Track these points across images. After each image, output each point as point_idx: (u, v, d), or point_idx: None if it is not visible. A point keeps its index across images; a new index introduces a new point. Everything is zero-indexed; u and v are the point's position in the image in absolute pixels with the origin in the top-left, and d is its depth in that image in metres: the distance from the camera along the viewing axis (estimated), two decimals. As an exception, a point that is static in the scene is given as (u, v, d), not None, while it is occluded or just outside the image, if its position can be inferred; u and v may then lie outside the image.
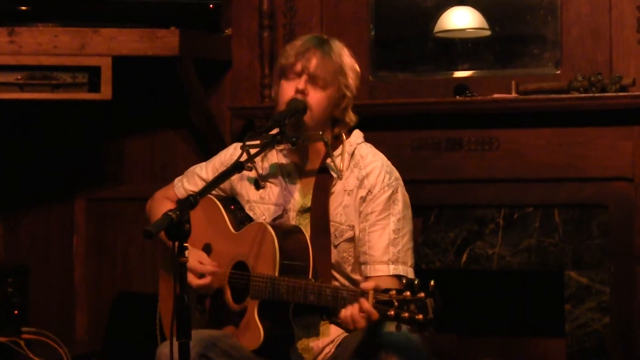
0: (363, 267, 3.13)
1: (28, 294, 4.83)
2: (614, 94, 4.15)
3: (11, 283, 4.70)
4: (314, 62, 3.14)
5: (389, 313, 2.68)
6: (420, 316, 2.63)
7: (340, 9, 4.73)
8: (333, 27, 4.63)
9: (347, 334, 3.09)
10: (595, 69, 4.28)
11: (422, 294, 2.65)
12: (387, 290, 2.72)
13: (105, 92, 4.44)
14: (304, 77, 3.13)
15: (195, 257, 3.17)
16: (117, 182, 5.12)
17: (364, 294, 2.77)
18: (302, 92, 3.12)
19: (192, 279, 3.15)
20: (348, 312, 2.80)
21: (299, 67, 3.15)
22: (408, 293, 2.67)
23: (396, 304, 2.68)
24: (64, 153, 5.11)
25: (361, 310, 2.77)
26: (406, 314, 2.65)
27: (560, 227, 4.29)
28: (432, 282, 2.66)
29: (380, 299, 2.73)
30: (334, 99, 3.18)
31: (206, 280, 3.18)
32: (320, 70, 3.14)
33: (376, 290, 2.75)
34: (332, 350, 3.17)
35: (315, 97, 3.14)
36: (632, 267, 4.23)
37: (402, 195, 3.18)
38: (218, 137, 4.82)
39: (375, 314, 2.74)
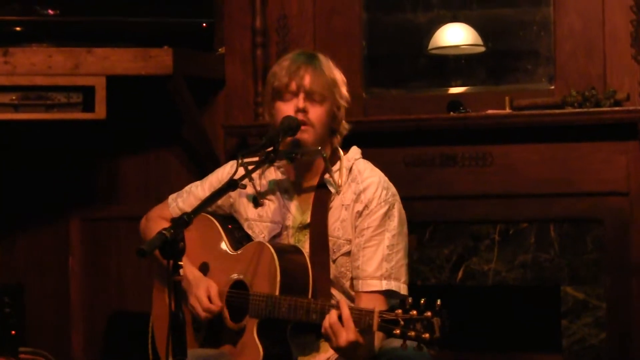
0: (355, 281, 3.13)
1: (24, 314, 4.81)
2: (608, 108, 4.16)
3: (8, 303, 4.68)
4: (308, 79, 3.13)
5: (394, 332, 2.69)
6: (427, 335, 2.64)
7: (332, 26, 4.73)
8: (326, 44, 4.63)
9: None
10: (589, 84, 4.28)
11: (429, 313, 2.65)
12: (393, 309, 2.73)
13: (100, 111, 4.44)
14: (302, 95, 3.13)
15: (204, 289, 3.16)
16: (112, 201, 5.12)
17: (369, 313, 2.77)
18: (303, 110, 3.11)
19: (198, 310, 3.15)
20: (326, 322, 2.82)
21: (293, 86, 3.13)
22: (414, 312, 2.67)
23: (402, 322, 2.68)
24: (58, 173, 5.11)
25: (339, 320, 2.79)
26: (412, 333, 2.66)
27: (556, 242, 4.29)
28: (438, 302, 2.66)
29: (386, 318, 2.73)
30: (332, 112, 3.18)
31: (208, 316, 3.16)
32: (316, 86, 3.13)
33: (381, 309, 2.76)
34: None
35: (316, 114, 3.13)
36: (628, 281, 4.22)
37: (398, 211, 3.18)
38: (212, 155, 4.82)
39: (352, 330, 2.76)
